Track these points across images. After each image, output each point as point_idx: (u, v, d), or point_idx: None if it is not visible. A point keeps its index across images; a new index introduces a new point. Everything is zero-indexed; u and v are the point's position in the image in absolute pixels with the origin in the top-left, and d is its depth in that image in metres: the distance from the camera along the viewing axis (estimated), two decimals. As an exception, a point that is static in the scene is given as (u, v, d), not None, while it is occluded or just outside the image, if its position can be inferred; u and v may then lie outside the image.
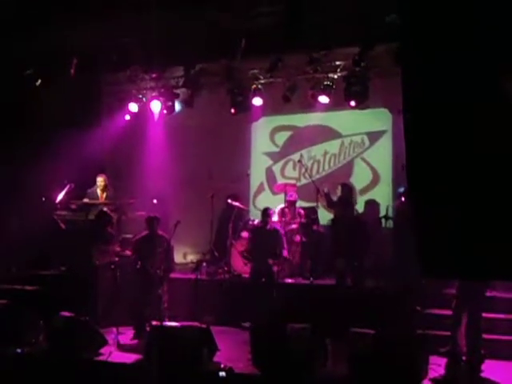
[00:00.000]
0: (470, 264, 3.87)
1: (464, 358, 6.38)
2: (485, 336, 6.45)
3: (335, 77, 9.68)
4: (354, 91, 9.41)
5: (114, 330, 7.35)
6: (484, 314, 6.54)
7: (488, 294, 6.81)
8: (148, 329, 7.16)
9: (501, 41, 3.64)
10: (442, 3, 3.83)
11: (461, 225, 3.80)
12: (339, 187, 9.24)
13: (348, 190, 9.48)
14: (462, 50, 3.75)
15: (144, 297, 7.86)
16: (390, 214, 9.16)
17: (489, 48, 3.68)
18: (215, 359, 6.35)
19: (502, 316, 7.29)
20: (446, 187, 3.88)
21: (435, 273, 4.22)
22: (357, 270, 8.22)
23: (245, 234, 9.74)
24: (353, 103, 9.49)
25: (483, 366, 6.29)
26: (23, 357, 6.68)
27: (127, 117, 10.95)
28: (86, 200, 9.76)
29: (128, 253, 8.35)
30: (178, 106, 10.87)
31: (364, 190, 10.62)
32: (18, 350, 6.75)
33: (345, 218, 8.45)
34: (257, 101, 10.16)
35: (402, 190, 8.84)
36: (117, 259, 8.25)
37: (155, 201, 10.19)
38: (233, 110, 10.29)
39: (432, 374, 6.01)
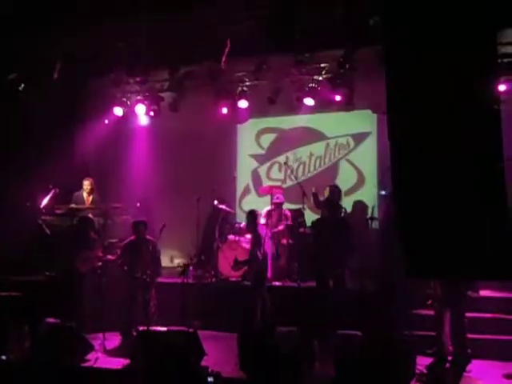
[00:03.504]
0: (453, 264, 3.90)
1: (450, 358, 6.41)
2: (471, 336, 6.49)
3: (320, 79, 9.71)
4: (339, 93, 9.45)
5: (101, 335, 7.30)
6: (470, 314, 6.58)
7: (476, 294, 6.87)
8: (134, 334, 7.13)
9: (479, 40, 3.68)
10: (424, 6, 3.86)
11: (444, 225, 3.83)
12: (327, 188, 9.22)
13: (337, 192, 9.44)
14: (444, 50, 3.78)
15: (131, 302, 7.81)
16: (376, 214, 9.19)
17: (470, 48, 3.72)
18: (202, 364, 6.31)
19: (488, 316, 7.34)
20: (429, 187, 3.90)
21: (419, 273, 4.27)
22: (339, 273, 8.12)
23: (232, 237, 9.72)
24: (338, 97, 9.50)
25: (470, 366, 6.33)
26: (8, 364, 6.61)
27: (106, 121, 10.90)
28: (72, 205, 9.70)
29: (110, 257, 8.30)
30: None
31: (349, 192, 10.63)
32: (3, 357, 6.68)
33: (331, 219, 8.40)
34: (242, 103, 10.17)
35: (383, 192, 8.87)
36: (100, 264, 8.21)
37: (138, 204, 10.14)
38: (225, 110, 10.30)
39: (419, 376, 6.02)
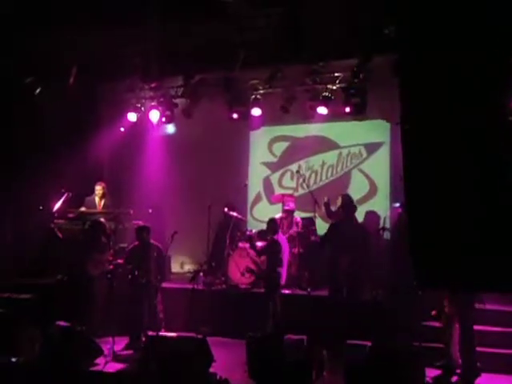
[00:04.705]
0: (462, 276, 3.88)
1: (459, 371, 6.35)
2: (480, 349, 6.43)
3: (334, 88, 9.71)
4: (353, 102, 9.45)
5: (110, 339, 7.32)
6: (477, 327, 6.52)
7: (482, 306, 6.82)
8: (144, 339, 7.14)
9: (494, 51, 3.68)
10: (441, 15, 3.86)
11: (455, 237, 3.81)
12: (339, 198, 9.22)
13: (349, 200, 9.42)
14: (460, 61, 3.78)
15: (137, 307, 7.82)
16: (387, 224, 9.15)
17: (485, 60, 3.72)
18: (211, 370, 6.31)
19: (496, 329, 7.27)
20: (442, 199, 3.89)
21: (428, 283, 4.24)
22: (354, 281, 8.13)
23: (242, 245, 9.72)
24: (347, 109, 9.52)
25: (478, 380, 6.27)
26: (18, 366, 6.63)
27: (122, 129, 10.96)
28: (83, 209, 9.75)
29: (120, 261, 8.33)
30: (171, 128, 11.02)
31: (361, 201, 10.59)
32: (13, 360, 6.70)
33: (348, 222, 8.38)
34: (256, 111, 10.19)
35: (397, 205, 8.86)
36: (111, 267, 8.24)
37: (150, 210, 10.17)
38: (236, 115, 10.32)
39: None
